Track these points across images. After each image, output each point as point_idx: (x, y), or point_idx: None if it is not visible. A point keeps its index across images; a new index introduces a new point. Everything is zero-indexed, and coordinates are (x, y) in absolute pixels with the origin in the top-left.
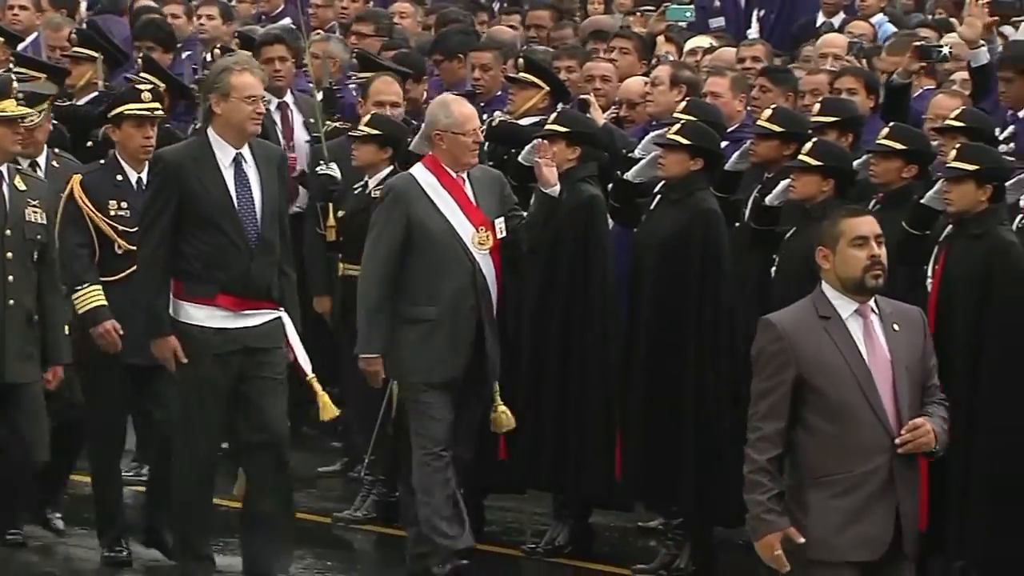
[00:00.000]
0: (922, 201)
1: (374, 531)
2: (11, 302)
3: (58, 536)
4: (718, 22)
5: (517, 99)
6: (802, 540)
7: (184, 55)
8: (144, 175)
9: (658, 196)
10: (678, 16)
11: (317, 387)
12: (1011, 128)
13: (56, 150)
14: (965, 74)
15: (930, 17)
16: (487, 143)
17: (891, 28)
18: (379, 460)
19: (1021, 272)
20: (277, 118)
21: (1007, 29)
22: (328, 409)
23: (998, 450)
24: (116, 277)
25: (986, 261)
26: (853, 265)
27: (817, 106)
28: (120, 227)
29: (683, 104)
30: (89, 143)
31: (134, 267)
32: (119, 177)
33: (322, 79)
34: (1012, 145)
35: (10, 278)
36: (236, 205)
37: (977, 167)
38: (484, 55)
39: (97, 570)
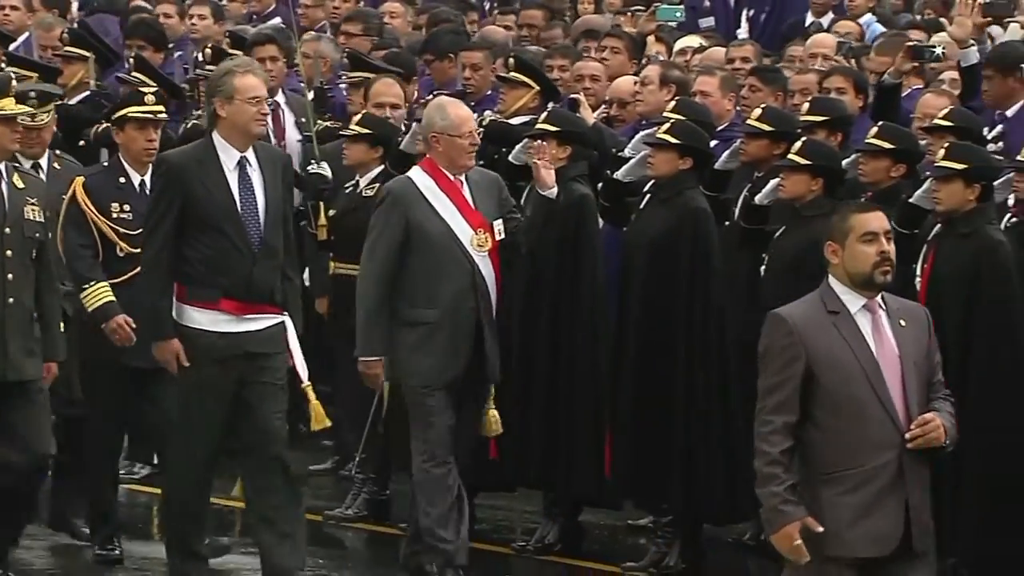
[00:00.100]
0: (911, 200)
1: (365, 529)
2: (11, 300)
3: (82, 541)
4: (708, 22)
5: (507, 98)
6: (821, 529)
7: (176, 55)
8: (147, 178)
9: (648, 195)
10: (668, 16)
11: (311, 396)
12: (999, 127)
13: (57, 152)
14: (954, 74)
15: (919, 17)
16: None
17: (879, 28)
18: (370, 458)
19: (1009, 271)
20: (268, 118)
21: (995, 30)
22: (319, 419)
23: (987, 449)
24: (118, 280)
25: (974, 260)
26: (862, 261)
27: (806, 105)
28: (122, 230)
29: (672, 103)
30: (81, 142)
31: (136, 270)
32: (122, 180)
33: (313, 79)
34: (1000, 144)
35: (9, 276)
36: (239, 208)
37: (965, 166)
38: (474, 55)
39: (89, 567)
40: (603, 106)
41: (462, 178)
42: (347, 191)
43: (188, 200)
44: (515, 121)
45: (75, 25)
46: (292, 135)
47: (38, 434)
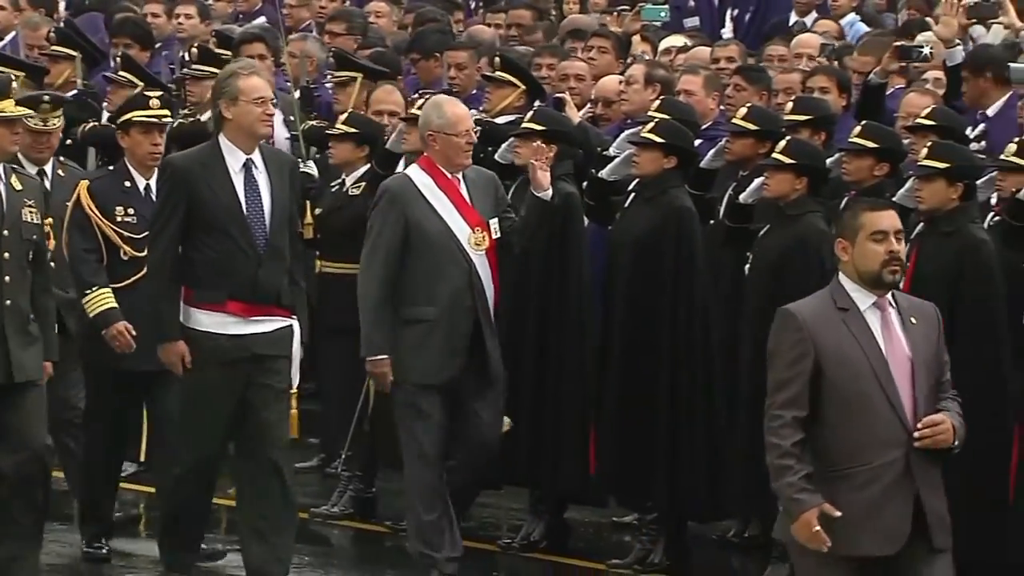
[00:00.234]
0: (894, 199)
1: (351, 526)
2: (8, 302)
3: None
4: (692, 22)
5: (493, 98)
6: (838, 514)
7: (162, 54)
8: (152, 182)
9: (632, 194)
10: (653, 16)
11: (293, 403)
12: (981, 126)
13: (61, 158)
14: (937, 73)
15: (902, 15)
16: None
17: (863, 28)
18: (356, 456)
19: (992, 269)
20: None
21: (978, 30)
22: (292, 428)
23: (969, 449)
24: (122, 284)
25: (957, 259)
26: (872, 259)
27: (790, 105)
28: (127, 233)
29: (657, 102)
30: (68, 141)
31: (140, 274)
32: (127, 184)
33: (299, 78)
34: (983, 143)
35: (7, 278)
36: (245, 211)
37: (948, 165)
38: (460, 54)
39: (75, 566)
40: (588, 105)
41: (459, 176)
42: (333, 190)
43: (194, 203)
44: (500, 120)
45: (62, 24)
46: (280, 133)
47: (37, 432)
